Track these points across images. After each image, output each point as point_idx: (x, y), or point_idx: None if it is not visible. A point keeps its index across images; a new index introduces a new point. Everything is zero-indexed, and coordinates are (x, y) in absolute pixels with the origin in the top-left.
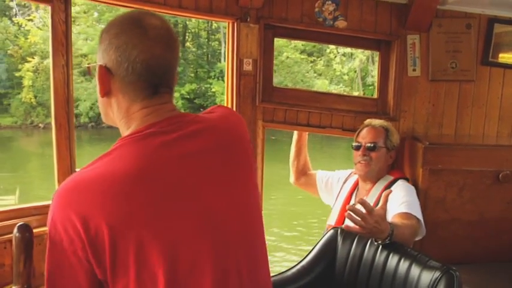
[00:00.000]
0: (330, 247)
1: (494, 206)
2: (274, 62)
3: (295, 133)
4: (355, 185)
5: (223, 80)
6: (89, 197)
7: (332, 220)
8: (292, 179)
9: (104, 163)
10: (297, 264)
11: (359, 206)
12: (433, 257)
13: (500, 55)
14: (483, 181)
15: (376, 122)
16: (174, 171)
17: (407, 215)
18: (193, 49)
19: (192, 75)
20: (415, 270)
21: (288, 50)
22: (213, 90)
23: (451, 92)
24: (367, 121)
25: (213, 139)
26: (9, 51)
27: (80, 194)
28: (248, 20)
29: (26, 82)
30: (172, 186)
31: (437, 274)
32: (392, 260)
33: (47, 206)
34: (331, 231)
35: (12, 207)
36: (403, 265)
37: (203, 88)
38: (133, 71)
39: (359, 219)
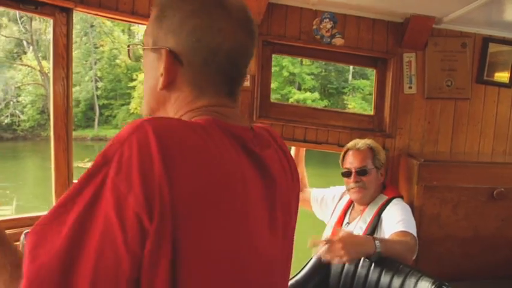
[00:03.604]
0: (323, 263)
1: (488, 222)
2: None
3: (293, 149)
4: (349, 203)
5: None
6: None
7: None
8: None
9: (196, 132)
10: (290, 279)
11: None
12: (427, 273)
13: (495, 74)
14: (478, 198)
15: (360, 143)
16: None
17: (404, 233)
18: (321, 62)
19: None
20: (408, 287)
21: None
22: (349, 106)
23: (446, 110)
24: (350, 144)
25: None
26: (117, 61)
27: (176, 138)
28: None
29: (137, 93)
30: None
31: None
32: (386, 276)
33: None
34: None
35: (8, 217)
36: (396, 281)
37: (339, 104)
38: (213, 61)
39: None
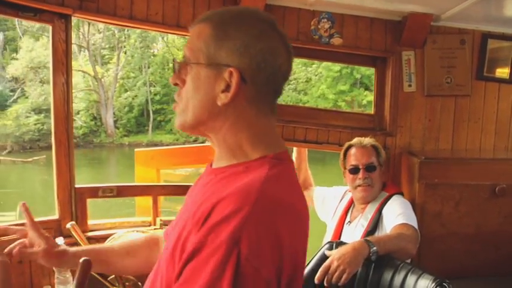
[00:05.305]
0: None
1: (491, 219)
2: None
3: (295, 149)
4: (350, 203)
5: None
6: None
7: (328, 238)
8: None
9: (277, 187)
10: None
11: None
12: (430, 271)
13: (495, 70)
14: (480, 195)
15: (365, 141)
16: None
17: (405, 226)
18: None
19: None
20: (409, 285)
21: None
22: None
23: (447, 107)
24: (354, 141)
25: None
26: (171, 65)
27: (281, 215)
28: None
29: None
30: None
31: (431, 287)
32: (387, 275)
33: (46, 222)
34: (326, 245)
35: (12, 223)
36: (397, 280)
37: None
38: (273, 80)
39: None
